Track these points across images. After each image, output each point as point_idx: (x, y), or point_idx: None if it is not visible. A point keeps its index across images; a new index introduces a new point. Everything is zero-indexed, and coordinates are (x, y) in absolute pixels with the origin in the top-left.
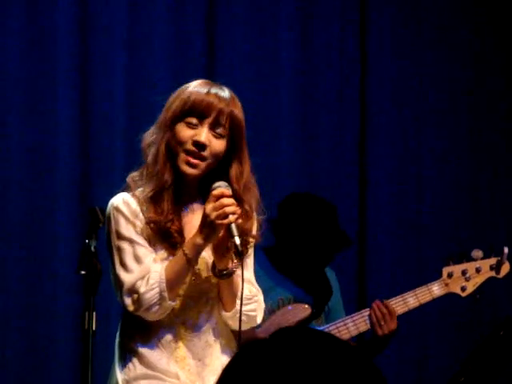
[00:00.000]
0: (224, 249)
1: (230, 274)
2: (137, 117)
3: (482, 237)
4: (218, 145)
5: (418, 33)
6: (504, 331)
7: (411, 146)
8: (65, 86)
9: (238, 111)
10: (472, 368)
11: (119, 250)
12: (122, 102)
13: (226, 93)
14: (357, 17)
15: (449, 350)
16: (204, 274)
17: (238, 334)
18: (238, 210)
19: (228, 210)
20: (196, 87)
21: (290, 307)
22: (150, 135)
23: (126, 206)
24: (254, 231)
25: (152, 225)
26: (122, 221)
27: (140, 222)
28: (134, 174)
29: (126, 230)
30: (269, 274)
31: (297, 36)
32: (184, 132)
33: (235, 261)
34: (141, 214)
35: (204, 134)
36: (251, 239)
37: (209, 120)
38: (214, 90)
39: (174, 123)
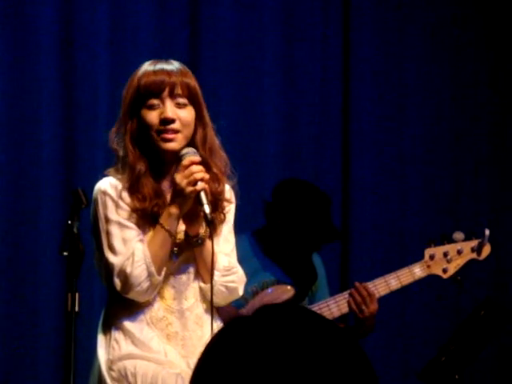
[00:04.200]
0: (193, 215)
1: (201, 240)
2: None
3: (464, 219)
4: (186, 114)
5: (402, 27)
6: (484, 311)
7: (394, 132)
8: (48, 71)
9: (190, 79)
10: (453, 348)
11: (108, 233)
12: (105, 89)
13: (173, 65)
14: (340, 9)
15: (430, 331)
16: (183, 250)
17: (221, 307)
18: (207, 176)
19: (197, 176)
20: (142, 70)
21: (272, 288)
22: (113, 133)
23: (114, 189)
24: (228, 195)
25: (139, 212)
26: (109, 204)
27: (127, 206)
28: (110, 170)
29: (115, 213)
30: (256, 257)
31: (280, 27)
32: (149, 116)
33: (206, 228)
34: (128, 198)
35: (169, 109)
36: (226, 203)
37: (166, 94)
38: (159, 66)
39: (134, 112)
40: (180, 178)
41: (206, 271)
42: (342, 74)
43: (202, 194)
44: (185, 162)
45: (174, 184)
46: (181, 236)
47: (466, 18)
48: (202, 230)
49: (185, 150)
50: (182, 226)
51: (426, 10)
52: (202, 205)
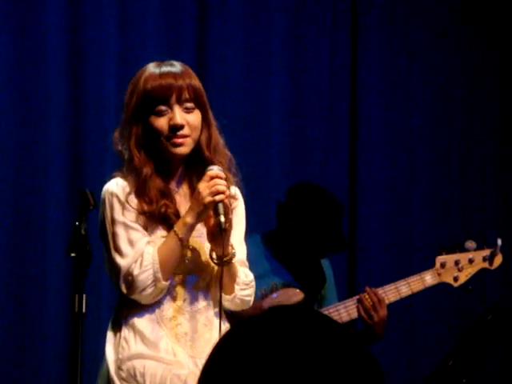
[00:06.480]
0: (218, 237)
1: (230, 260)
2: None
3: (473, 226)
4: (193, 118)
5: (409, 34)
6: (492, 316)
7: (402, 135)
8: (56, 70)
9: (195, 80)
10: (460, 352)
11: (114, 235)
12: (113, 85)
13: (177, 67)
14: (348, 16)
15: (437, 335)
16: (197, 254)
17: (233, 313)
18: (227, 192)
19: (220, 187)
20: (148, 73)
21: (281, 291)
22: (118, 136)
23: (121, 190)
24: (233, 192)
25: (147, 214)
26: (116, 205)
27: (134, 207)
28: (117, 173)
29: (121, 214)
30: (265, 259)
31: (288, 32)
32: (158, 122)
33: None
34: (135, 199)
35: (177, 116)
36: (232, 200)
37: (174, 100)
38: (165, 69)
39: (140, 117)
40: (203, 187)
41: (229, 284)
42: (350, 78)
43: (220, 206)
44: (211, 172)
45: (195, 192)
46: (197, 247)
47: (474, 19)
48: (230, 248)
49: (211, 167)
50: (207, 243)
51: (433, 17)
52: (218, 215)
